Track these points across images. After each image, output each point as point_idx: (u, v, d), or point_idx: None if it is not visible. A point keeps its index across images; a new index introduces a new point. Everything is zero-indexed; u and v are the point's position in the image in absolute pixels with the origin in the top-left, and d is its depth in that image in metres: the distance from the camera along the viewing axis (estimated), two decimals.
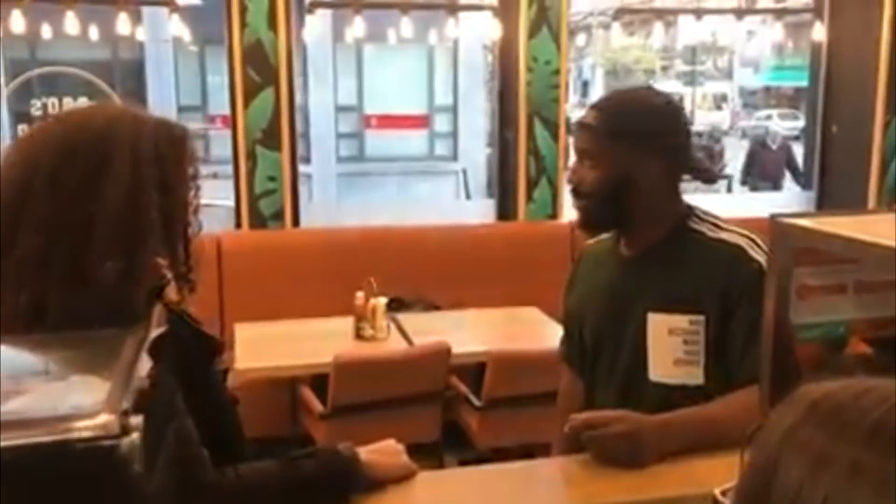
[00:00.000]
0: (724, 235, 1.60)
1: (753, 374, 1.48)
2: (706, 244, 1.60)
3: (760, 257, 1.53)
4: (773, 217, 1.20)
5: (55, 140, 1.13)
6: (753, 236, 1.58)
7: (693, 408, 1.53)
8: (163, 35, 11.22)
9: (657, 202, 1.62)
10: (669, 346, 1.57)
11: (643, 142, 1.58)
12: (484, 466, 1.49)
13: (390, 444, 1.40)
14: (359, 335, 3.23)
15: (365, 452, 1.31)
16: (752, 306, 1.48)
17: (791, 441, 0.59)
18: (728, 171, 15.06)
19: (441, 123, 15.10)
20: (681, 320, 1.56)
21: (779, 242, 1.20)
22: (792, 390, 1.18)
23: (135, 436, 0.53)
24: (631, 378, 1.63)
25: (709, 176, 1.72)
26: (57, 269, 1.04)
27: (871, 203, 4.59)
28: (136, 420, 0.54)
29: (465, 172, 12.88)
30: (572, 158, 1.71)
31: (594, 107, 1.67)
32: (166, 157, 1.14)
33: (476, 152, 13.53)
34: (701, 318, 1.55)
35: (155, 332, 0.86)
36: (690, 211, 1.65)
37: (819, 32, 4.76)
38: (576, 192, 1.64)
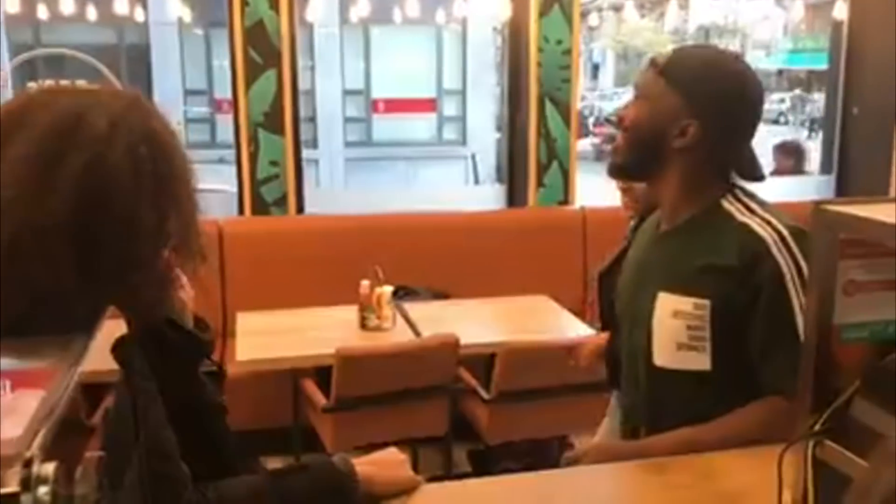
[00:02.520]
0: (753, 222, 1.46)
1: (773, 386, 1.42)
2: (730, 227, 1.47)
3: (782, 258, 1.41)
4: (816, 204, 1.07)
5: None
6: (785, 232, 1.43)
7: (683, 431, 1.46)
8: (167, 18, 11.12)
9: (693, 172, 1.49)
10: (673, 328, 1.47)
11: (700, 101, 1.45)
12: (492, 478, 1.37)
13: (392, 452, 1.29)
14: (363, 325, 3.13)
15: (363, 464, 1.20)
16: (777, 311, 1.40)
17: None
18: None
19: (450, 107, 14.99)
20: (685, 303, 1.46)
21: (821, 233, 1.07)
22: (834, 398, 1.08)
23: (42, 491, 0.43)
24: (639, 359, 1.55)
25: (754, 176, 1.55)
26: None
27: (894, 187, 4.45)
28: (47, 469, 0.43)
29: (474, 157, 12.76)
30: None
31: (673, 51, 1.57)
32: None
33: (485, 136, 13.40)
34: (706, 302, 1.44)
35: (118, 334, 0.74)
36: (730, 188, 1.52)
37: (840, 11, 4.60)
38: (618, 126, 1.54)
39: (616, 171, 1.62)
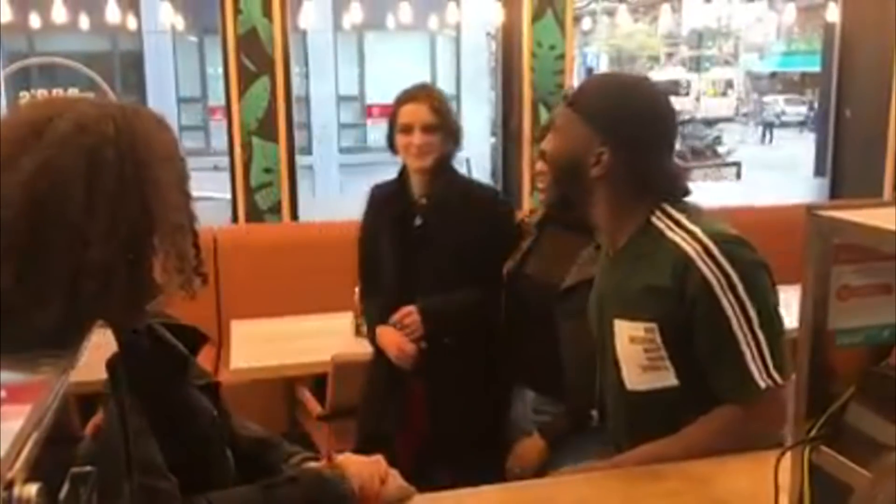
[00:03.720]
0: (678, 237, 1.45)
1: (726, 396, 1.43)
2: (661, 245, 1.46)
3: (707, 269, 1.40)
4: (809, 209, 1.07)
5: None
6: (708, 243, 1.42)
7: (647, 447, 1.47)
8: (160, 26, 11.10)
9: (618, 196, 1.50)
10: (633, 353, 1.48)
11: (607, 128, 1.46)
12: (487, 487, 1.37)
13: (377, 461, 1.27)
14: (359, 332, 3.11)
15: (352, 475, 1.19)
16: (711, 321, 1.40)
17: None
18: (736, 157, 14.97)
19: None
20: (636, 328, 1.47)
21: (815, 238, 1.07)
22: (830, 403, 1.08)
23: None
24: (612, 387, 1.56)
25: (679, 192, 1.54)
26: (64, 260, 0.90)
27: (888, 190, 4.46)
28: (29, 490, 0.42)
29: (468, 162, 12.74)
30: None
31: (581, 83, 1.61)
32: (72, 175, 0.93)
33: (480, 141, 13.39)
34: (653, 325, 1.44)
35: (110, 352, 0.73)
36: (657, 204, 1.50)
37: (833, 14, 4.62)
38: (542, 162, 1.63)
39: (548, 207, 1.65)
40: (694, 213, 1.50)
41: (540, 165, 1.98)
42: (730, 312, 1.39)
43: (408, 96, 2.35)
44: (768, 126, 23.99)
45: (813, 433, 1.04)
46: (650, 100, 1.51)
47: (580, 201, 1.53)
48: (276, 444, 1.33)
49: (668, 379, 1.46)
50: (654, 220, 1.49)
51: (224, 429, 1.21)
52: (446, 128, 2.31)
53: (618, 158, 1.46)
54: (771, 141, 21.97)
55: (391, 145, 2.40)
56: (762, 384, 1.37)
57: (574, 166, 1.49)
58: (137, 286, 0.97)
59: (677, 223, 1.47)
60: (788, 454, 1.05)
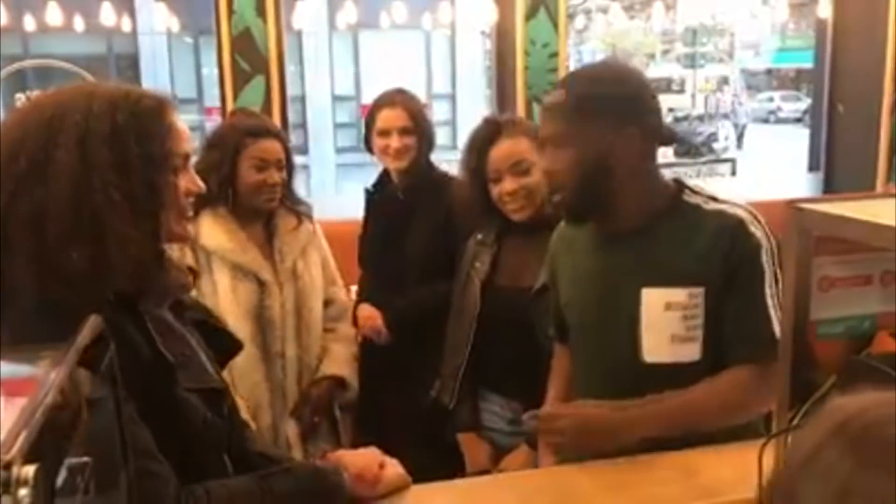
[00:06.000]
0: (723, 207, 1.54)
1: (745, 355, 1.48)
2: (705, 215, 1.53)
3: (759, 232, 1.49)
4: (790, 203, 1.09)
5: (8, 127, 1.07)
6: (752, 210, 1.53)
7: (667, 394, 1.48)
8: (155, 27, 11.11)
9: (641, 175, 1.54)
10: (666, 322, 1.50)
11: (618, 112, 1.49)
12: (479, 478, 1.39)
13: (371, 451, 1.29)
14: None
15: (347, 465, 1.21)
16: (750, 282, 1.48)
17: (813, 467, 0.51)
18: (731, 154, 14.98)
19: (440, 111, 14.99)
20: (679, 294, 1.49)
21: (797, 230, 1.09)
22: (811, 392, 1.10)
23: (22, 493, 0.44)
24: (621, 362, 1.56)
25: (674, 140, 1.66)
26: (20, 259, 0.99)
27: (880, 184, 4.48)
28: (27, 471, 0.44)
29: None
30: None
31: (559, 86, 1.61)
32: (124, 134, 1.05)
33: None
34: (700, 290, 1.49)
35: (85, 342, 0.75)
36: (682, 185, 1.59)
37: (825, 9, 4.64)
38: (550, 188, 1.56)
39: (578, 223, 1.62)
40: (715, 194, 1.58)
41: (510, 185, 1.95)
42: (768, 276, 1.47)
43: (384, 101, 2.47)
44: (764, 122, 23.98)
45: (795, 422, 1.06)
46: (621, 65, 1.59)
47: (608, 196, 1.53)
48: (280, 462, 1.35)
49: (693, 353, 1.50)
50: (685, 198, 1.56)
51: (222, 433, 1.21)
52: (421, 131, 2.44)
53: (637, 132, 1.49)
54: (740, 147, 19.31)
55: (368, 147, 2.52)
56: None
57: (602, 168, 1.50)
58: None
59: (712, 198, 1.56)
60: (772, 442, 1.08)
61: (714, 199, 1.56)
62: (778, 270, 1.47)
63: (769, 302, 1.46)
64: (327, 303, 2.29)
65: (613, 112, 1.48)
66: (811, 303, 1.08)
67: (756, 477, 1.07)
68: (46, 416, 0.52)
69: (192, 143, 1.16)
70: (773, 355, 1.36)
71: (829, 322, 1.09)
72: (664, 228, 1.54)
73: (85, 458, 0.65)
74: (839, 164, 4.83)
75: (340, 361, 2.24)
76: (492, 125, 2.06)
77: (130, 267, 1.04)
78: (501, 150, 1.98)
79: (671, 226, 1.54)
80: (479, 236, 2.11)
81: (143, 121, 1.08)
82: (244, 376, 2.03)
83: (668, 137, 1.60)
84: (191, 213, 1.16)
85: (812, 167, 5.33)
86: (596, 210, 1.56)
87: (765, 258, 1.48)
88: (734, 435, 1.45)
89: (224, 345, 1.30)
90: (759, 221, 1.51)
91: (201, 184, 1.16)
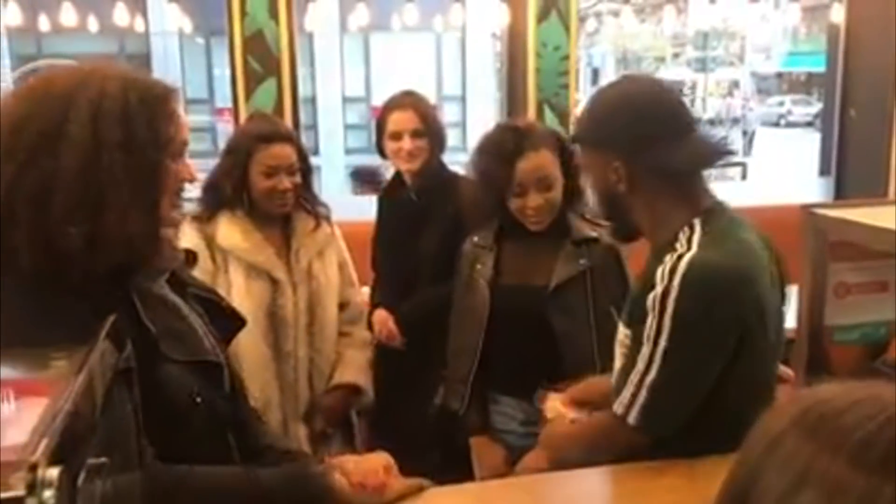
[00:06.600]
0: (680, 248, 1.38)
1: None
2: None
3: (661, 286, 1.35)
4: (804, 208, 1.09)
5: (18, 99, 1.10)
6: (683, 267, 1.34)
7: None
8: (167, 27, 11.15)
9: (656, 200, 1.46)
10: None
11: (613, 141, 1.45)
12: (490, 481, 1.39)
13: (379, 455, 1.29)
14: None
15: (348, 472, 1.21)
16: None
17: (775, 451, 0.53)
18: (741, 158, 14.93)
19: (450, 113, 15.01)
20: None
21: (811, 233, 1.09)
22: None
23: (47, 494, 0.44)
24: None
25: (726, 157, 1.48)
26: (21, 232, 1.02)
27: (892, 189, 4.46)
28: (52, 473, 0.45)
29: None
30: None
31: (585, 106, 1.57)
32: (134, 116, 1.07)
33: None
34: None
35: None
36: (691, 217, 1.43)
37: (837, 14, 4.62)
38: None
39: (626, 241, 1.65)
40: (720, 220, 1.42)
41: (536, 200, 1.95)
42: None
43: (395, 104, 2.49)
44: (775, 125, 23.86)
45: None
46: (634, 95, 1.49)
47: (626, 219, 1.51)
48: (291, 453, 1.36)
49: None
50: (685, 228, 1.41)
51: (220, 412, 1.21)
52: (433, 133, 2.46)
53: (633, 164, 1.44)
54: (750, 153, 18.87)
55: (380, 150, 2.54)
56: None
57: (605, 193, 1.51)
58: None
59: (688, 239, 1.39)
60: None
61: (689, 239, 1.39)
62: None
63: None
64: (343, 305, 2.29)
65: (618, 144, 1.45)
66: (826, 308, 1.08)
67: None
68: (67, 421, 0.52)
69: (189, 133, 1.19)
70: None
71: (844, 328, 1.09)
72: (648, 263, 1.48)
73: (103, 459, 0.66)
74: (850, 168, 4.81)
75: (355, 368, 2.24)
76: (514, 134, 2.00)
77: (125, 245, 1.06)
78: (528, 165, 1.94)
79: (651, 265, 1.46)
80: (476, 239, 2.11)
81: (153, 105, 1.11)
82: (255, 374, 2.03)
83: (694, 163, 1.46)
84: (182, 200, 1.19)
85: (823, 171, 5.31)
86: (629, 232, 1.56)
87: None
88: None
89: (229, 325, 1.32)
90: (674, 274, 1.34)
91: (195, 172, 1.19)
